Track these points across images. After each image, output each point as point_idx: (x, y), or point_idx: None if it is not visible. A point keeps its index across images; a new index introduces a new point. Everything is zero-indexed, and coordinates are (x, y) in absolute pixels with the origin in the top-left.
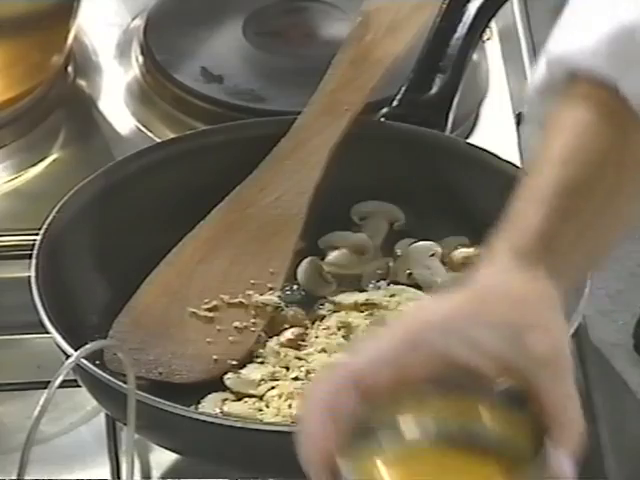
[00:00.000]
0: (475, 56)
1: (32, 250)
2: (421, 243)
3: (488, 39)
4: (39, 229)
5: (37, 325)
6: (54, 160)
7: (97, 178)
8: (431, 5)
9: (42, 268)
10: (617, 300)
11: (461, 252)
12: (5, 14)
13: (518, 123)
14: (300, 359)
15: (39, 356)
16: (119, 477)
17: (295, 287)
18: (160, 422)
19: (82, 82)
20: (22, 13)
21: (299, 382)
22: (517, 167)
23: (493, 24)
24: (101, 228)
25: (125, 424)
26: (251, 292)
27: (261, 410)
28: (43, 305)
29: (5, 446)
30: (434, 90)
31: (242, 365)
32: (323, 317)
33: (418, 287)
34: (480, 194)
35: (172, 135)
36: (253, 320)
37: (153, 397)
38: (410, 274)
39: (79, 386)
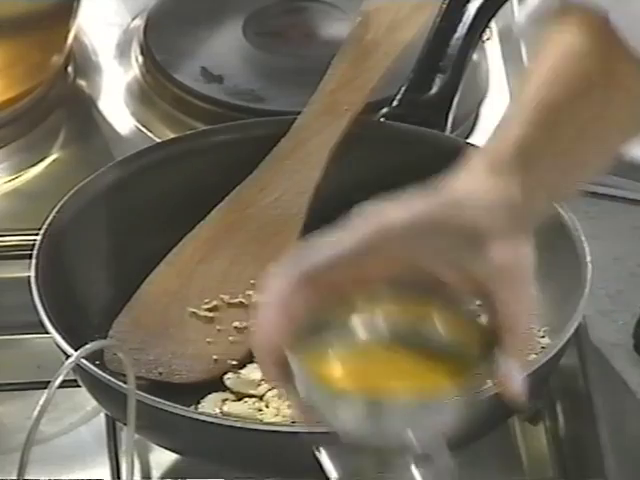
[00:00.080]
0: (475, 56)
1: (32, 250)
2: None
3: (488, 39)
4: (39, 229)
5: (37, 325)
6: (54, 160)
7: (97, 178)
8: (431, 5)
9: (42, 268)
10: (617, 300)
11: None
12: (5, 14)
13: None
14: None
15: (39, 356)
16: (119, 477)
17: None
18: (160, 422)
19: (82, 82)
20: (22, 13)
21: None
22: None
23: (493, 24)
24: (101, 228)
25: (125, 424)
26: (251, 292)
27: (261, 410)
28: (43, 305)
29: (5, 446)
30: (434, 90)
31: (242, 365)
32: None
33: None
34: None
35: (172, 135)
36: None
37: (153, 397)
38: None
39: (79, 386)
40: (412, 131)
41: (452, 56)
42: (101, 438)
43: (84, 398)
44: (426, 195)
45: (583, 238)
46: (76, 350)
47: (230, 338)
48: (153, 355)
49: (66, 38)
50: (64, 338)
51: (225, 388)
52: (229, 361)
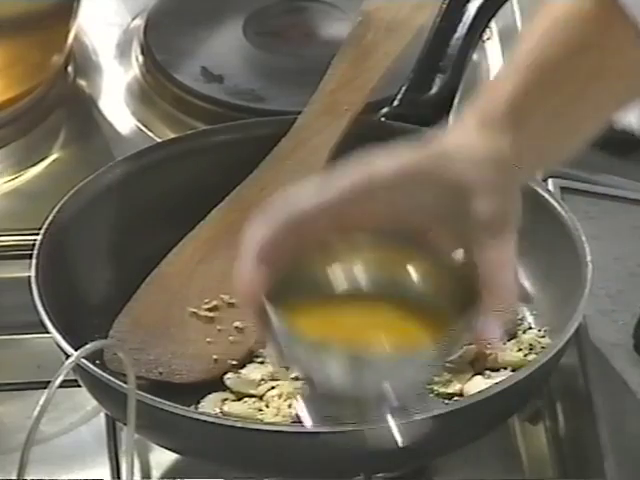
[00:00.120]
0: (475, 56)
1: (32, 250)
2: None
3: (488, 39)
4: (39, 229)
5: (37, 325)
6: (54, 160)
7: (97, 178)
8: (431, 5)
9: (42, 268)
10: (617, 300)
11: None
12: (5, 14)
13: None
14: None
15: (39, 356)
16: (119, 477)
17: None
18: (160, 422)
19: (82, 82)
20: (22, 13)
21: (299, 382)
22: None
23: (493, 24)
24: (101, 228)
25: (125, 424)
26: None
27: (261, 410)
28: (43, 305)
29: (5, 446)
30: (434, 90)
31: (242, 365)
32: None
33: None
34: None
35: (172, 135)
36: None
37: (153, 397)
38: None
39: (79, 386)
40: (412, 131)
41: (452, 56)
42: (101, 438)
43: (84, 398)
44: (415, 147)
45: (583, 238)
46: (76, 350)
47: (230, 338)
48: (153, 355)
49: (66, 38)
50: (64, 338)
51: (225, 388)
52: (229, 361)
